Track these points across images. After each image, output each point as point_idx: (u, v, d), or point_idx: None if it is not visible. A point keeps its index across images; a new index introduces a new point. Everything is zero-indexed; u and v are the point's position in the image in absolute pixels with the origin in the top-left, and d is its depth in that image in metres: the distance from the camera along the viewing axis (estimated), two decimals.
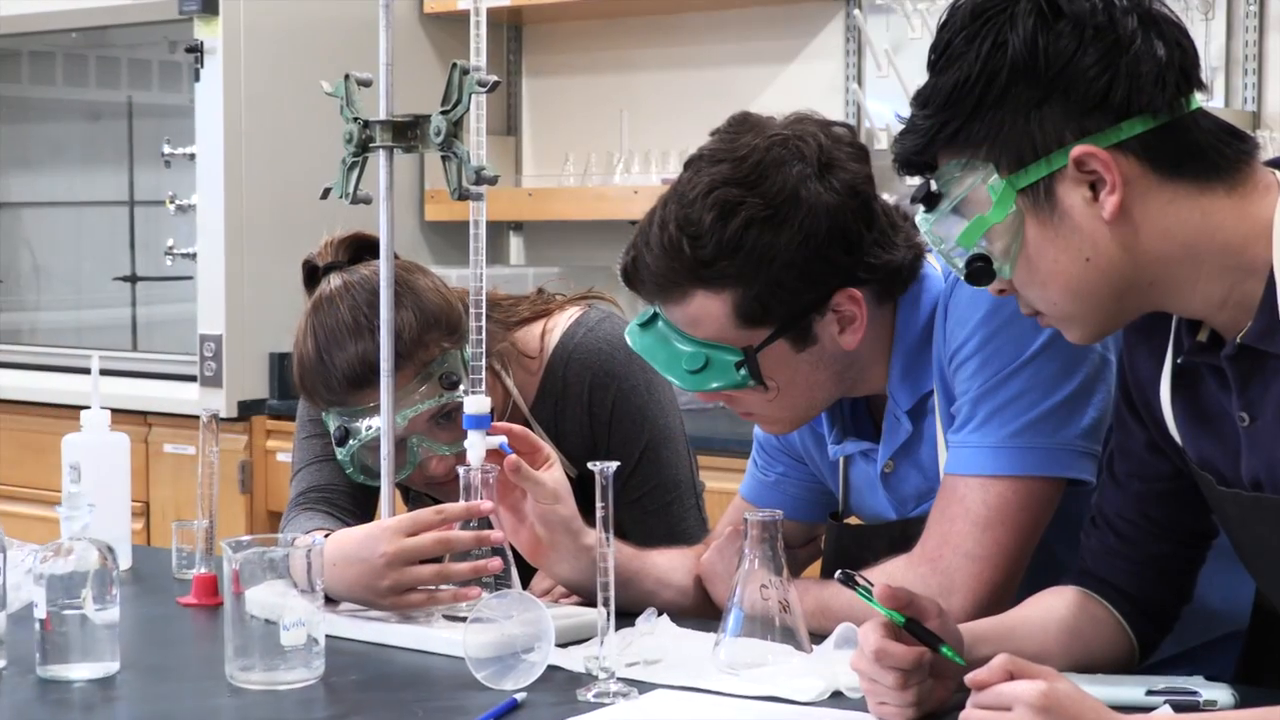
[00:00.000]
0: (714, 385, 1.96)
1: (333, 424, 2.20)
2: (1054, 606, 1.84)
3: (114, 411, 4.25)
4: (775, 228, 1.90)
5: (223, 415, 4.25)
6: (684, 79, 4.67)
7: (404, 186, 4.61)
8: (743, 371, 1.95)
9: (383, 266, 2.07)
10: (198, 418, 2.31)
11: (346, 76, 2.08)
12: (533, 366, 2.36)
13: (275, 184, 4.25)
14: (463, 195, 1.97)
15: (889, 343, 2.02)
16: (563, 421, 2.35)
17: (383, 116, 2.05)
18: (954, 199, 1.64)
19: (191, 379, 4.34)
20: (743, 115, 1.99)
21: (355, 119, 2.07)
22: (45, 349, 4.82)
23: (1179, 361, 1.70)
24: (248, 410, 4.32)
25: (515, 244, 5.00)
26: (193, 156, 4.32)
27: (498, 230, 4.95)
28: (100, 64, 5.24)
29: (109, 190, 5.08)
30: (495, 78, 1.95)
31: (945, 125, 1.63)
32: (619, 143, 4.65)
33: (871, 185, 1.96)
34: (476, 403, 2.01)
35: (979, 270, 1.65)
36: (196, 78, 4.26)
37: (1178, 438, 1.74)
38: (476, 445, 2.01)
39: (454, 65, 1.97)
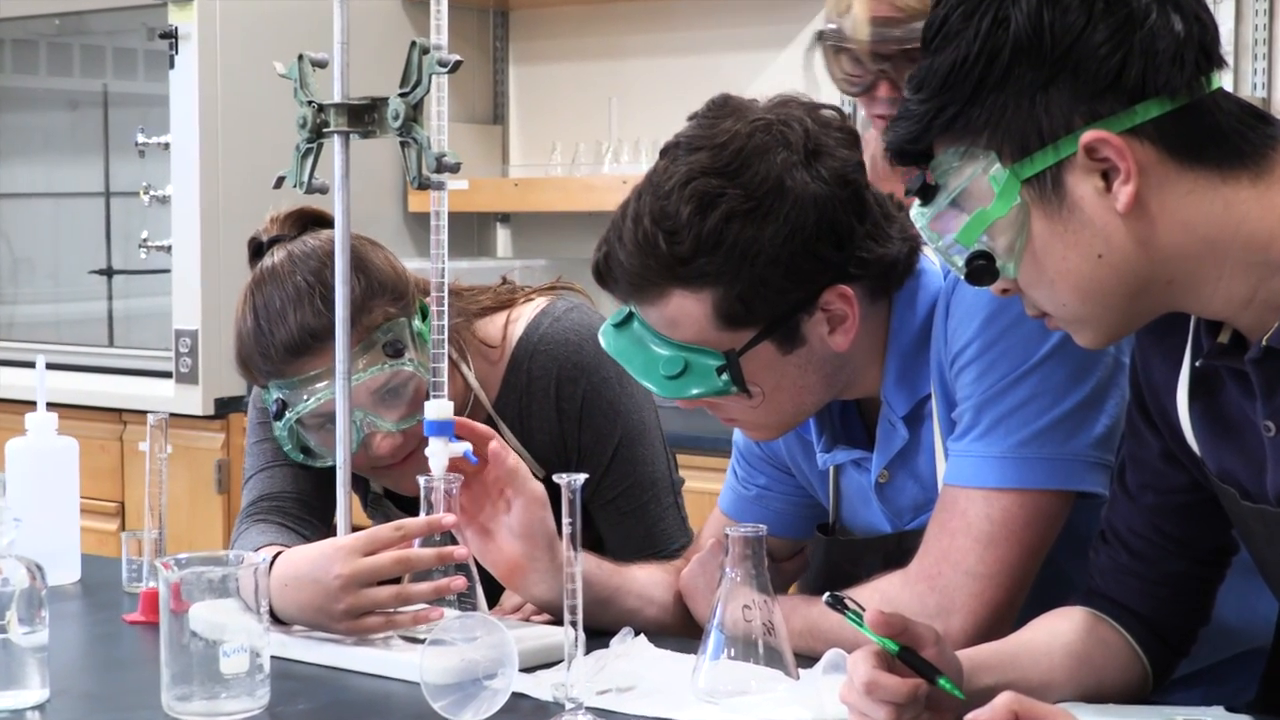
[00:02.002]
0: (694, 392, 1.83)
1: (271, 396, 2.08)
2: (1060, 630, 1.73)
3: (89, 409, 4.21)
4: (758, 221, 1.77)
5: (199, 413, 4.18)
6: (674, 66, 4.59)
7: (386, 175, 4.50)
8: (724, 377, 1.82)
9: (338, 260, 1.94)
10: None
11: (300, 57, 1.95)
12: (494, 356, 2.23)
13: (253, 175, 4.13)
14: (423, 184, 1.85)
15: (883, 343, 1.90)
16: (529, 418, 2.22)
17: (337, 99, 1.92)
18: (952, 191, 1.52)
19: (168, 375, 4.26)
20: (723, 98, 1.87)
21: (309, 102, 1.94)
22: (14, 344, 4.71)
23: (1198, 365, 1.58)
24: (225, 408, 4.22)
25: (502, 236, 4.93)
26: (167, 146, 4.21)
27: (485, 222, 4.88)
28: (84, 53, 5.14)
29: (87, 181, 4.98)
30: (457, 57, 1.82)
31: (942, 110, 1.51)
32: (608, 131, 4.56)
33: (863, 173, 1.83)
34: (438, 407, 1.88)
35: (980, 269, 1.53)
36: (171, 65, 4.14)
37: (1196, 448, 1.62)
38: (438, 453, 1.88)
39: (413, 44, 1.84)
